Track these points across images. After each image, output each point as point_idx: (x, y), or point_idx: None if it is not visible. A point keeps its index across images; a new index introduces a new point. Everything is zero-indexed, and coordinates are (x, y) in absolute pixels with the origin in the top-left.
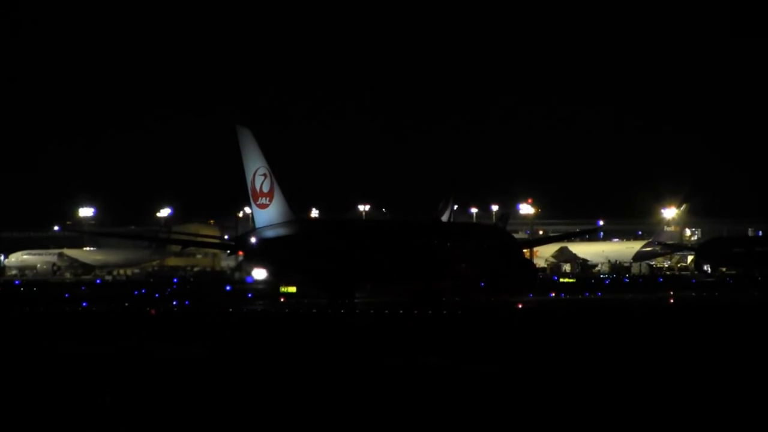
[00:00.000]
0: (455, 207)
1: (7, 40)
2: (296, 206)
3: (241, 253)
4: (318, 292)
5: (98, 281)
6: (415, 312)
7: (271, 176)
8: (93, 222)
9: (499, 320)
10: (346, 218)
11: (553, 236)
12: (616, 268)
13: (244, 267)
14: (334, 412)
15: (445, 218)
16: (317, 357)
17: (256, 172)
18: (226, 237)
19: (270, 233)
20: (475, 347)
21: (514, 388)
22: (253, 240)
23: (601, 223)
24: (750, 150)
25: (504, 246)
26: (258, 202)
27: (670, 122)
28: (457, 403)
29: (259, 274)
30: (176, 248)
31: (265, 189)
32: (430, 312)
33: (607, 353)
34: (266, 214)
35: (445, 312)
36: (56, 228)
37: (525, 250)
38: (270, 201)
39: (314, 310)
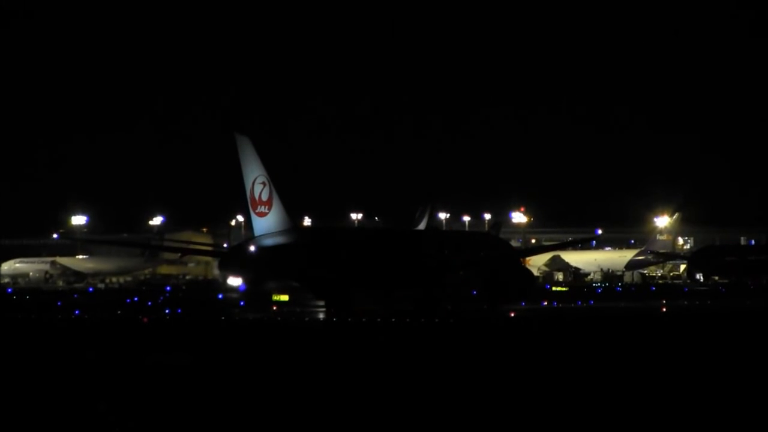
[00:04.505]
0: (435, 215)
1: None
2: (289, 214)
3: (219, 265)
4: (313, 300)
5: (90, 289)
6: (408, 321)
7: (270, 184)
8: (86, 230)
9: (491, 329)
10: (344, 227)
11: (548, 245)
12: (609, 276)
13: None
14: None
15: (422, 226)
16: (305, 366)
17: (255, 180)
18: (224, 245)
19: (268, 241)
20: (468, 356)
21: (505, 396)
22: (251, 248)
23: (600, 231)
24: (743, 159)
25: (501, 254)
26: (257, 211)
27: (662, 131)
28: (455, 409)
29: (235, 281)
30: (169, 256)
31: (264, 197)
32: (423, 321)
33: (604, 361)
34: (265, 222)
35: (437, 321)
36: (55, 236)
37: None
38: (269, 209)
39: (306, 319)
